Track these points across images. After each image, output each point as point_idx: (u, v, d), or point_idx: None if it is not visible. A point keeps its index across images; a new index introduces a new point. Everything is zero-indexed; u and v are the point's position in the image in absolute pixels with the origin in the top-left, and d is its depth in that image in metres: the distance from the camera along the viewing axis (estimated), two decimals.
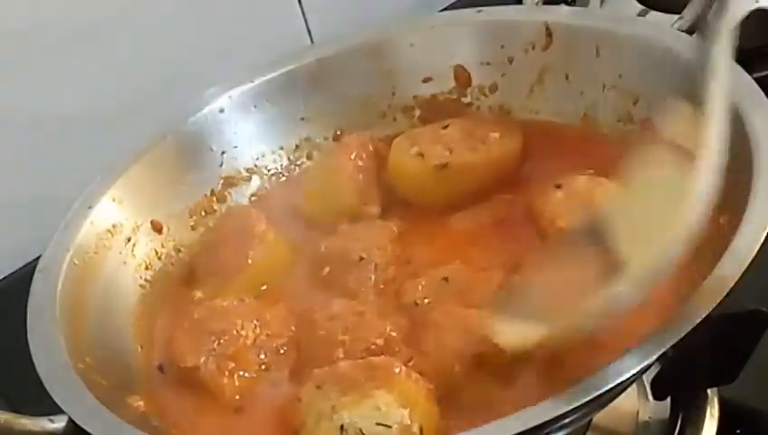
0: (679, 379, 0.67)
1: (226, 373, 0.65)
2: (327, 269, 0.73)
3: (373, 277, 0.71)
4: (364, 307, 0.67)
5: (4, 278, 1.01)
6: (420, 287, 0.68)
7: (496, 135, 0.77)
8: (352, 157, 0.78)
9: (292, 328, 0.69)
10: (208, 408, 0.65)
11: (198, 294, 0.74)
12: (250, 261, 0.74)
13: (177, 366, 0.66)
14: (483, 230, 0.74)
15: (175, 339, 0.67)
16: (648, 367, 0.56)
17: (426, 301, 0.67)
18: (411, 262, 0.73)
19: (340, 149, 0.80)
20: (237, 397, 0.65)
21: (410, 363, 0.61)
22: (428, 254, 0.73)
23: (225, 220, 0.79)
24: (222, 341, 0.66)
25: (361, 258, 0.72)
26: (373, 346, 0.64)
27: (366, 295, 0.70)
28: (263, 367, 0.67)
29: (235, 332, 0.66)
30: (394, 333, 0.65)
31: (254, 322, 0.67)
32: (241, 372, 0.66)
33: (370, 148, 0.80)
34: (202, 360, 0.65)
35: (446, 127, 0.78)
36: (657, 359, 0.54)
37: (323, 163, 0.83)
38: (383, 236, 0.74)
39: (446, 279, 0.68)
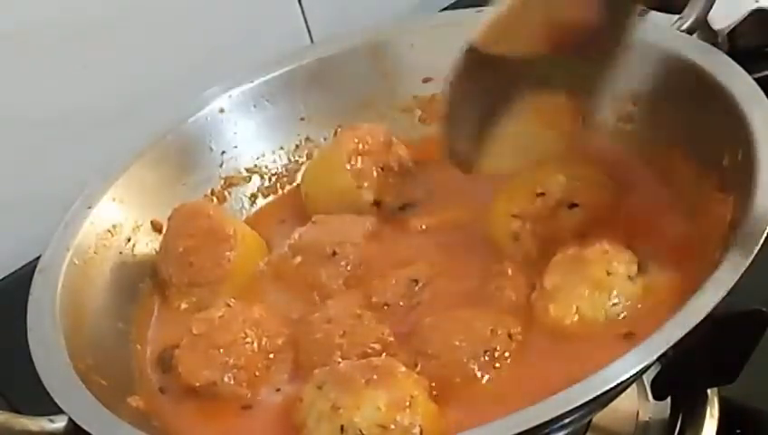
0: (679, 379, 0.67)
1: (244, 384, 0.65)
2: (298, 259, 0.73)
3: (345, 273, 0.71)
4: (361, 310, 0.67)
5: (4, 278, 1.01)
6: (390, 288, 0.69)
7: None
8: (355, 141, 0.78)
9: (286, 326, 0.69)
10: (212, 410, 0.65)
11: (183, 305, 0.74)
12: (229, 267, 0.73)
13: (187, 384, 0.66)
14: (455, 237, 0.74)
15: (180, 359, 0.66)
16: (648, 367, 0.56)
17: (398, 303, 0.68)
18: (383, 260, 0.73)
19: (346, 132, 0.80)
20: (247, 398, 0.65)
21: (417, 368, 0.62)
22: (400, 253, 0.73)
23: (186, 222, 0.75)
24: (232, 353, 0.66)
25: (334, 253, 0.72)
26: (370, 350, 0.64)
27: (337, 291, 0.70)
28: (271, 368, 0.67)
29: (241, 341, 0.66)
30: (391, 338, 0.65)
31: (253, 326, 0.67)
32: (254, 377, 0.66)
33: (381, 138, 0.79)
34: (217, 376, 0.65)
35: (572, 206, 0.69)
36: (657, 359, 0.54)
37: (326, 145, 0.84)
38: (357, 232, 0.73)
39: (415, 281, 0.69)
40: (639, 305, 0.62)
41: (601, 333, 0.61)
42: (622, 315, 0.62)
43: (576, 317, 0.62)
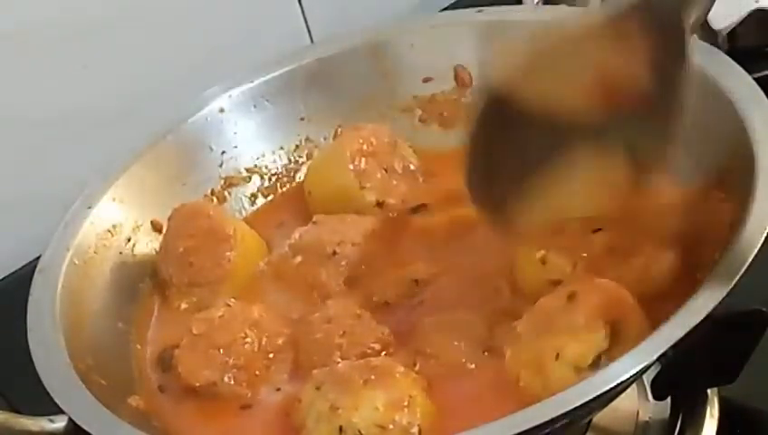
0: (679, 379, 0.67)
1: (244, 384, 0.65)
2: (299, 259, 0.73)
3: (346, 273, 0.71)
4: (361, 310, 0.67)
5: (4, 278, 1.01)
6: (390, 288, 0.69)
7: (646, 264, 0.63)
8: (360, 141, 0.77)
9: (286, 326, 0.69)
10: (212, 410, 0.65)
11: (183, 305, 0.74)
12: (229, 267, 0.73)
13: (187, 384, 0.66)
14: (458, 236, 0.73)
15: (180, 359, 0.66)
16: (648, 367, 0.56)
17: (399, 302, 0.68)
18: (383, 260, 0.73)
19: (350, 132, 0.79)
20: (247, 398, 0.66)
21: (416, 368, 0.62)
22: (400, 253, 0.73)
23: (186, 222, 0.75)
24: (232, 353, 0.66)
25: (335, 253, 0.72)
26: (370, 350, 0.64)
27: (337, 291, 0.71)
28: (271, 368, 0.67)
29: (240, 341, 0.66)
30: (391, 338, 0.65)
31: (253, 326, 0.67)
32: (254, 377, 0.66)
33: (385, 139, 0.79)
34: (217, 376, 0.65)
35: (596, 231, 0.64)
36: (657, 359, 0.54)
37: (330, 145, 0.84)
38: (357, 232, 0.73)
39: (415, 281, 0.69)
40: None
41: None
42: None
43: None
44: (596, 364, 0.56)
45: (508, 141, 0.63)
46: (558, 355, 0.57)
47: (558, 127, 0.62)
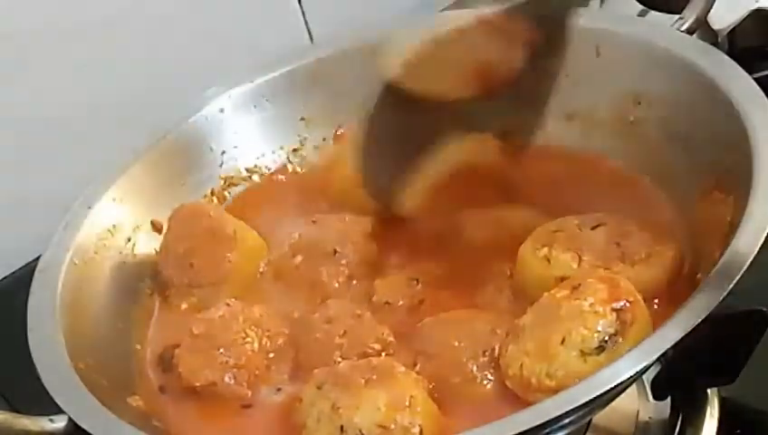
0: (679, 379, 0.67)
1: (244, 384, 0.65)
2: (299, 258, 0.73)
3: (346, 272, 0.71)
4: (361, 310, 0.67)
5: (4, 278, 1.01)
6: (391, 287, 0.69)
7: (647, 254, 0.64)
8: None
9: (286, 326, 0.69)
10: (212, 410, 0.65)
11: (183, 305, 0.74)
12: (230, 267, 0.73)
13: (188, 384, 0.66)
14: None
15: (181, 359, 0.66)
16: (648, 367, 0.56)
17: (399, 302, 0.68)
18: (384, 259, 0.73)
19: None
20: (247, 398, 0.66)
21: (417, 368, 0.62)
22: (400, 253, 0.73)
23: (186, 223, 0.76)
24: (232, 353, 0.66)
25: (335, 252, 0.72)
26: (370, 350, 0.64)
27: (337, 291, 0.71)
28: (272, 368, 0.67)
29: (240, 341, 0.66)
30: (391, 338, 0.65)
31: (253, 326, 0.67)
32: (255, 377, 0.66)
33: None
34: (218, 376, 0.65)
35: (595, 227, 0.66)
36: (657, 359, 0.54)
37: None
38: (357, 231, 0.74)
39: (416, 280, 0.69)
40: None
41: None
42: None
43: (515, 372, 0.59)
44: (601, 349, 0.57)
45: (399, 128, 0.72)
46: (564, 339, 0.57)
47: (439, 110, 0.70)
